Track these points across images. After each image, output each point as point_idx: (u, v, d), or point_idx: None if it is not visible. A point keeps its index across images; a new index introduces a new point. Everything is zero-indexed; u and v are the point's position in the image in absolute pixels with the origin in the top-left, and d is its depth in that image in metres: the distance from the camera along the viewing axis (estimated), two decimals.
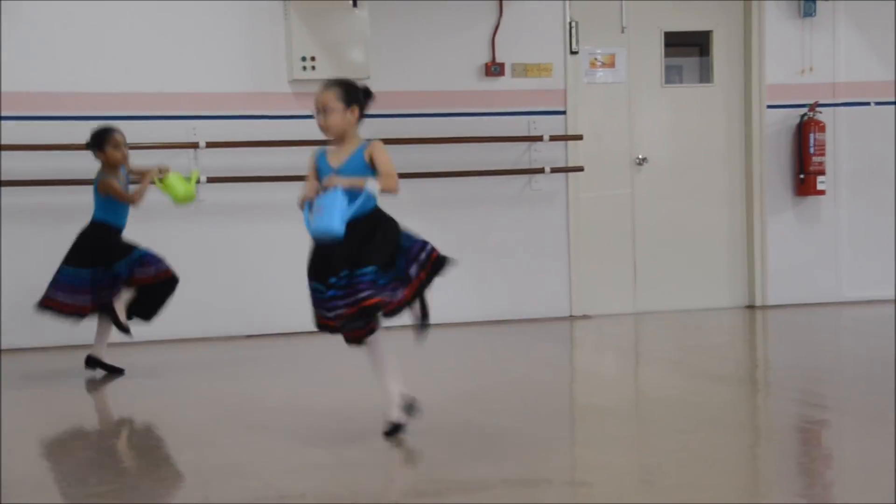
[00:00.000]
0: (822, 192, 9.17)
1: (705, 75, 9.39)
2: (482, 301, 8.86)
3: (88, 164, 7.08)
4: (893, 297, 9.21)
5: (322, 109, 5.18)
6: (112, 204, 6.83)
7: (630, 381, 7.13)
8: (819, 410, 5.89)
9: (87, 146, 6.95)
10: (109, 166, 6.86)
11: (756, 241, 9.26)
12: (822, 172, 9.13)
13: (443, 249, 8.34)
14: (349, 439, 5.24)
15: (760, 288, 9.27)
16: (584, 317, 9.00)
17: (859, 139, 9.32)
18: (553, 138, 8.88)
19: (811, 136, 9.11)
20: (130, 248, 6.87)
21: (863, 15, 9.21)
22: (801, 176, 9.17)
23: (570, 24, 8.90)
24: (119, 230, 6.88)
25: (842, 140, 9.27)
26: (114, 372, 6.99)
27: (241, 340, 8.33)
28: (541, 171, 8.86)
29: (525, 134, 8.86)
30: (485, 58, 8.81)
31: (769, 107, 9.23)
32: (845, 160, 9.28)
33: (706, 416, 5.75)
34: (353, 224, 5.00)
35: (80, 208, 7.16)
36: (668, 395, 6.40)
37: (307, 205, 5.05)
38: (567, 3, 8.90)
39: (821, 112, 9.17)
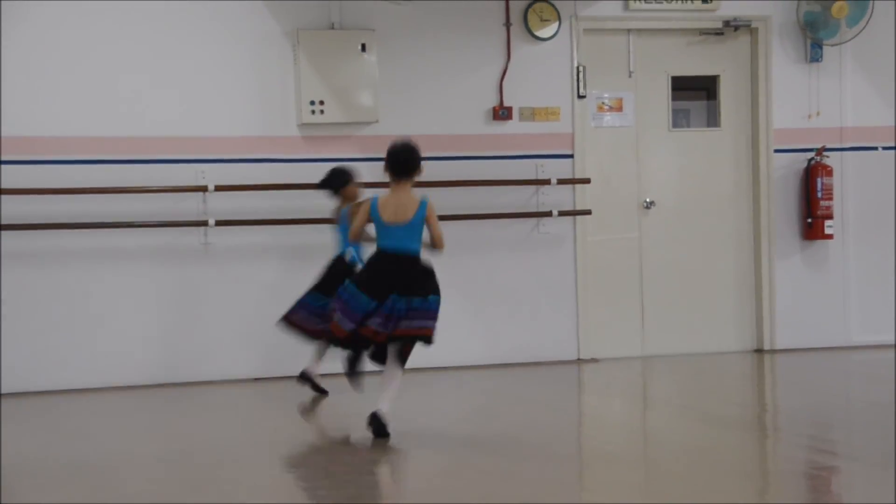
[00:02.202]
0: (829, 237, 9.16)
1: (713, 119, 9.41)
2: (490, 344, 8.84)
3: (95, 208, 7.10)
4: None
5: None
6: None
7: (638, 425, 7.09)
8: (828, 456, 5.86)
9: (323, 185, 7.58)
10: (347, 200, 7.46)
11: (764, 284, 9.24)
12: (830, 217, 9.13)
13: (451, 292, 8.38)
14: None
15: (768, 332, 9.24)
16: (592, 360, 8.98)
17: (867, 184, 9.32)
18: (561, 182, 8.90)
19: (819, 180, 9.12)
20: None
21: (869, 60, 9.25)
22: (809, 220, 9.17)
23: (578, 68, 8.94)
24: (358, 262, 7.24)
25: (849, 184, 9.28)
26: (321, 392, 7.54)
27: (250, 382, 8.32)
28: (548, 214, 8.88)
29: (533, 177, 8.88)
30: (493, 101, 8.86)
31: (776, 151, 9.24)
32: (853, 204, 9.28)
33: (714, 462, 5.72)
34: None
35: (83, 252, 7.19)
36: (675, 440, 6.37)
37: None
38: (575, 47, 8.96)
39: (828, 156, 9.19)
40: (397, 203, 6.14)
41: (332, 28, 8.54)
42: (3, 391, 7.93)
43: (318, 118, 8.46)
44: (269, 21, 8.46)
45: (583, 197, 8.99)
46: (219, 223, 8.31)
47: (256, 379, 8.40)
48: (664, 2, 9.05)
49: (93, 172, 8.17)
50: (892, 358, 8.62)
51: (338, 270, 7.30)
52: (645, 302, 9.20)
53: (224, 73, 8.43)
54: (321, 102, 8.44)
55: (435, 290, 6.08)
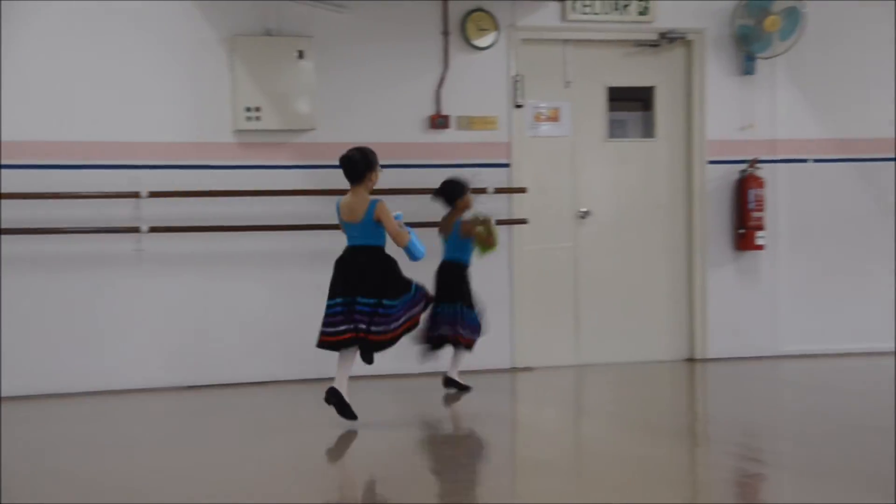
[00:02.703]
0: (760, 247, 9.29)
1: (648, 130, 9.51)
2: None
3: (24, 213, 7.01)
4: (829, 352, 9.33)
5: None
6: (465, 244, 7.92)
7: (571, 434, 7.14)
8: (756, 464, 5.94)
9: (439, 195, 7.99)
10: (460, 211, 7.93)
11: (696, 294, 9.35)
12: (761, 227, 9.26)
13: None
14: None
15: (700, 341, 9.34)
16: (527, 369, 9.02)
17: (797, 195, 9.47)
18: (497, 191, 8.93)
19: (750, 191, 9.25)
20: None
21: (800, 73, 9.40)
22: (741, 231, 9.29)
23: (515, 77, 8.99)
24: (468, 266, 7.94)
25: (780, 196, 9.41)
26: (463, 389, 7.92)
27: (183, 391, 8.24)
28: None
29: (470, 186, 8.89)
30: (430, 110, 8.88)
31: (710, 162, 9.36)
32: (784, 216, 9.42)
33: (645, 470, 5.78)
34: None
35: (12, 258, 7.08)
36: (607, 449, 6.43)
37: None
38: (512, 56, 9.01)
39: (760, 168, 9.32)
40: (352, 204, 6.82)
41: (269, 35, 8.50)
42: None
43: (254, 125, 8.42)
44: (205, 27, 8.41)
45: (519, 206, 9.03)
46: (153, 229, 8.23)
47: (189, 387, 8.32)
48: (601, 13, 9.13)
49: (22, 177, 8.05)
50: (819, 367, 8.76)
51: (449, 277, 7.91)
52: (579, 311, 9.26)
53: (159, 79, 8.35)
54: (257, 109, 8.40)
55: (406, 288, 6.77)
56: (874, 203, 9.54)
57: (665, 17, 9.21)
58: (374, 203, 6.77)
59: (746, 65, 9.31)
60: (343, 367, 6.77)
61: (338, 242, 8.68)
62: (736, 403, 7.83)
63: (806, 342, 9.34)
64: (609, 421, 7.37)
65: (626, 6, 9.17)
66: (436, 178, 8.83)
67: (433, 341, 7.89)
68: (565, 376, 8.74)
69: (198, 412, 7.63)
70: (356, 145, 7.01)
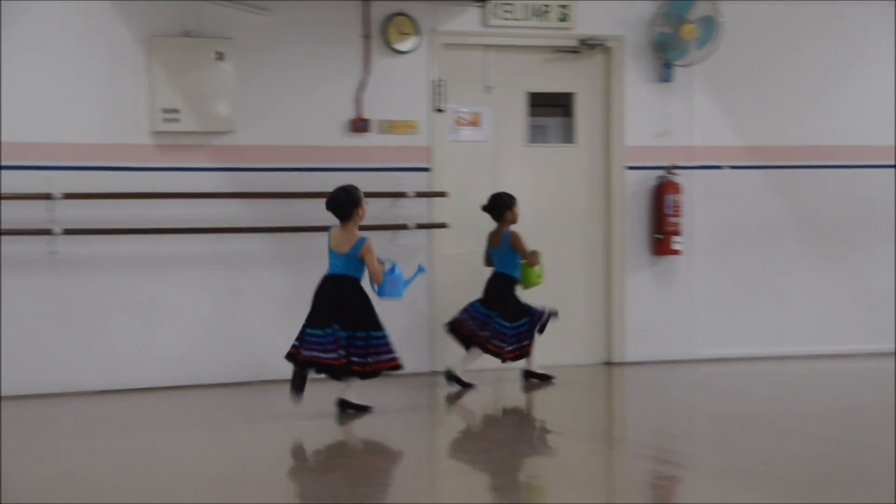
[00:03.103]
0: (677, 252, 9.42)
1: (568, 136, 9.59)
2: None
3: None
4: (744, 356, 9.48)
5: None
6: (512, 258, 8.38)
7: (488, 436, 7.16)
8: (671, 467, 6.02)
9: (487, 210, 8.47)
10: (507, 224, 8.42)
11: (614, 299, 9.45)
12: (678, 233, 9.38)
13: (302, 303, 8.32)
14: None
15: (618, 345, 9.44)
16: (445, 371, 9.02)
17: (713, 201, 9.61)
18: (418, 195, 8.95)
19: (668, 197, 9.37)
20: (524, 312, 8.40)
21: (717, 81, 9.55)
22: (658, 236, 9.41)
23: (436, 82, 9.01)
24: (517, 280, 8.43)
25: (697, 202, 9.55)
26: (545, 379, 8.50)
27: (96, 396, 8.12)
28: (405, 227, 8.91)
29: (390, 190, 8.91)
30: (351, 113, 8.86)
31: (628, 168, 9.47)
32: (700, 221, 9.55)
33: (561, 473, 5.82)
34: None
35: None
36: (524, 452, 6.47)
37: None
38: (433, 61, 9.02)
39: (677, 174, 9.45)
40: (341, 236, 7.37)
41: (188, 36, 8.41)
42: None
43: (172, 126, 8.33)
44: (122, 27, 8.29)
45: (440, 210, 9.05)
46: (67, 232, 8.10)
47: (101, 392, 8.20)
48: (522, 19, 9.19)
49: None
50: (734, 370, 8.90)
51: (495, 286, 8.42)
52: None
53: (74, 79, 8.22)
54: (176, 111, 8.31)
55: (375, 327, 7.32)
56: (787, 209, 9.72)
57: (585, 24, 9.30)
58: (361, 241, 7.31)
59: (664, 72, 9.44)
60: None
61: (257, 244, 8.68)
62: (652, 407, 7.92)
63: (721, 346, 9.48)
64: (526, 423, 7.42)
65: (546, 12, 9.24)
66: (356, 182, 8.78)
67: (463, 338, 8.41)
68: (484, 379, 8.75)
69: (106, 418, 7.53)
70: (340, 185, 7.46)
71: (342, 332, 7.23)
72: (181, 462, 6.20)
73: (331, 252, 7.40)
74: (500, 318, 8.36)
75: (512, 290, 8.45)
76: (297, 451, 6.61)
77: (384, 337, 7.36)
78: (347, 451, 6.65)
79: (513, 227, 8.47)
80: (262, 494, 5.41)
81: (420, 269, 7.77)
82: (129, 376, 8.32)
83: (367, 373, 7.27)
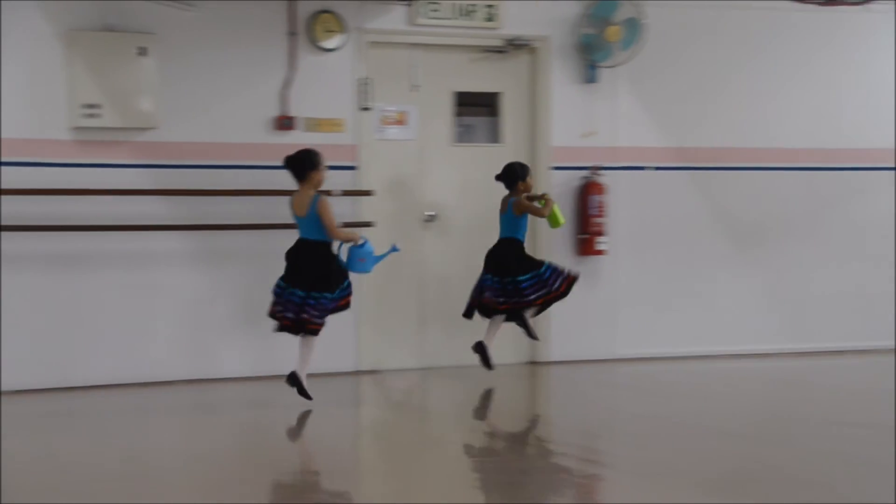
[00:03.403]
0: (602, 253, 9.50)
1: (495, 135, 9.61)
2: (267, 355, 8.76)
3: None
4: (666, 355, 9.59)
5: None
6: (517, 221, 8.50)
7: (413, 436, 7.16)
8: (592, 466, 6.06)
9: (500, 177, 8.54)
10: (518, 192, 8.52)
11: None
12: (602, 233, 9.46)
13: (229, 302, 8.27)
14: None
15: (542, 344, 9.49)
16: (371, 372, 9.02)
17: (637, 202, 9.71)
18: (344, 193, 8.91)
19: (592, 197, 9.44)
20: (538, 264, 8.45)
21: (642, 83, 9.65)
22: (583, 236, 9.48)
23: (363, 80, 8.99)
24: (522, 243, 8.53)
25: (621, 202, 9.63)
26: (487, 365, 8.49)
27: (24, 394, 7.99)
28: None
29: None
30: (276, 111, 8.80)
31: (554, 168, 9.52)
32: (624, 222, 9.64)
33: (484, 472, 5.83)
34: None
35: None
36: (448, 451, 6.48)
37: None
38: (360, 59, 9.00)
39: (602, 175, 9.52)
40: (300, 200, 7.60)
41: (109, 30, 8.29)
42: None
43: (92, 122, 8.20)
44: (41, 21, 8.15)
45: (366, 209, 9.03)
46: None
47: (32, 390, 8.07)
48: (448, 18, 9.19)
49: None
50: (655, 370, 8.99)
51: (499, 251, 8.50)
52: (426, 314, 9.31)
53: None
54: (96, 106, 8.19)
55: (329, 289, 7.52)
56: (710, 210, 9.84)
57: (511, 24, 9.34)
58: (315, 197, 7.51)
59: (589, 73, 9.51)
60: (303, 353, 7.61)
61: (180, 242, 8.58)
62: (575, 406, 7.98)
63: (644, 346, 9.58)
64: (451, 424, 7.43)
65: (473, 12, 9.26)
66: (281, 180, 8.78)
67: (481, 308, 8.50)
68: (410, 379, 8.77)
69: (42, 414, 7.40)
70: (301, 147, 7.69)
71: (299, 293, 7.47)
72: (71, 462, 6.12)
73: (295, 218, 7.63)
74: (514, 277, 8.39)
75: (517, 250, 8.51)
76: (201, 452, 6.55)
77: (332, 300, 7.57)
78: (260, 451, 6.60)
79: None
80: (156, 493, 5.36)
81: (393, 248, 7.91)
82: (50, 375, 8.18)
83: (310, 330, 7.51)
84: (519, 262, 8.46)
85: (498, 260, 8.48)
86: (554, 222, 8.56)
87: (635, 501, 5.27)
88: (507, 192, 8.60)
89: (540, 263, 8.50)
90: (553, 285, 8.43)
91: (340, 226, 7.63)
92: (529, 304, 8.44)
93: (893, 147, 10.15)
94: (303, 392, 7.55)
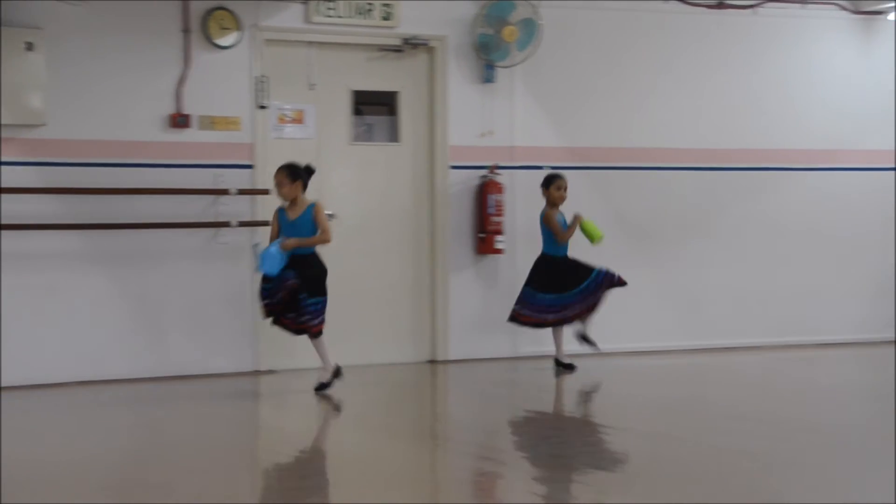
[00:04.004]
0: (500, 251, 9.54)
1: (393, 134, 9.60)
2: (163, 356, 8.63)
3: None
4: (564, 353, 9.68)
5: (277, 185, 7.97)
6: (547, 235, 8.88)
7: (312, 436, 7.12)
8: (491, 463, 6.08)
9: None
10: (552, 204, 8.87)
11: (438, 297, 9.50)
12: (500, 232, 9.51)
13: (122, 304, 8.11)
14: None
15: (442, 343, 9.50)
16: (270, 372, 8.93)
17: (535, 201, 9.73)
18: (241, 192, 8.82)
19: (490, 196, 9.48)
20: (587, 272, 8.79)
21: (537, 83, 9.72)
22: (481, 235, 9.51)
23: (259, 78, 8.90)
24: (562, 258, 8.86)
25: (519, 202, 9.68)
26: (568, 368, 8.87)
27: None
28: (227, 224, 8.77)
29: (211, 187, 8.76)
30: (170, 108, 8.66)
31: (452, 167, 9.54)
32: (522, 221, 9.69)
33: (386, 472, 5.82)
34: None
35: None
36: (348, 451, 6.45)
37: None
38: (256, 57, 8.90)
39: (500, 174, 9.57)
40: (293, 205, 7.98)
41: None
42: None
43: None
44: None
45: (263, 208, 8.94)
46: None
47: None
48: (344, 17, 9.15)
49: None
50: (552, 367, 9.06)
51: (540, 267, 8.90)
52: (326, 313, 9.22)
53: None
54: None
55: (322, 293, 7.92)
56: (607, 209, 9.92)
57: (408, 23, 9.33)
58: (312, 205, 7.98)
59: (487, 73, 9.55)
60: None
61: (72, 242, 8.39)
62: (474, 404, 8.00)
63: (542, 343, 9.63)
64: (351, 423, 7.40)
65: (369, 11, 9.23)
66: (177, 179, 8.66)
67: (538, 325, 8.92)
68: (309, 379, 8.69)
69: None
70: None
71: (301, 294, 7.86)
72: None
73: (283, 222, 7.98)
74: (552, 292, 8.78)
75: (553, 264, 8.84)
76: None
77: (325, 301, 7.96)
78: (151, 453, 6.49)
79: (554, 208, 8.90)
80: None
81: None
82: None
83: (314, 333, 7.94)
84: (552, 277, 8.82)
85: (539, 276, 8.89)
86: (592, 237, 8.82)
87: (534, 495, 5.30)
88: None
89: (587, 271, 8.80)
90: (588, 300, 8.80)
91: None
92: (573, 318, 8.85)
93: (781, 148, 10.40)
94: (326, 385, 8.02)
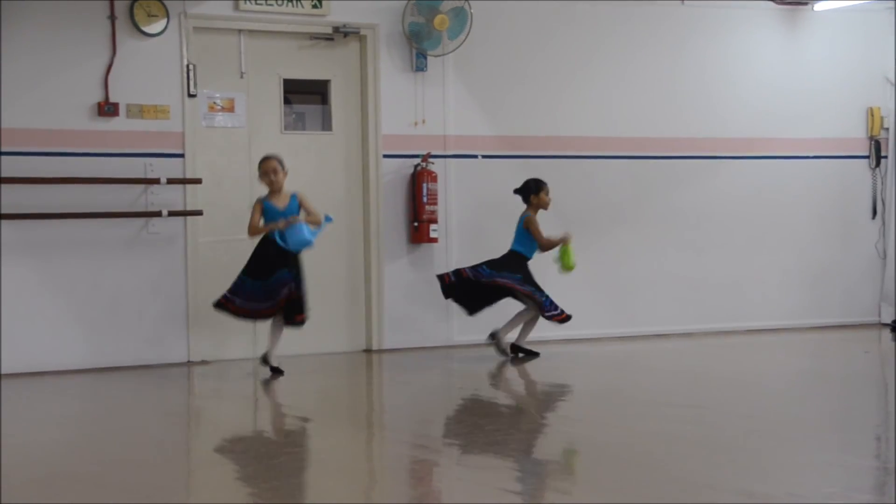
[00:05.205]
0: (434, 240, 9.54)
1: (326, 123, 9.55)
2: (94, 347, 8.52)
3: None
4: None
5: (271, 172, 8.23)
6: (523, 236, 8.96)
7: (248, 426, 7.06)
8: (427, 451, 6.08)
9: (518, 191, 9.02)
10: (535, 209, 8.95)
11: (373, 286, 9.47)
12: (435, 221, 9.50)
13: (53, 293, 7.96)
14: None
15: (377, 332, 9.48)
16: (203, 362, 8.85)
17: (469, 190, 9.79)
18: (171, 181, 8.72)
19: (424, 185, 9.47)
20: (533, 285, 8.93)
21: (469, 72, 9.72)
22: (416, 224, 9.50)
23: (188, 66, 8.79)
24: (526, 259, 8.99)
25: (452, 190, 9.69)
26: (531, 354, 9.00)
27: None
28: (158, 214, 8.67)
29: (141, 176, 8.64)
30: (98, 97, 8.52)
31: (385, 156, 9.51)
32: (455, 209, 9.70)
33: (322, 460, 5.79)
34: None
35: None
36: (283, 440, 6.40)
37: (278, 233, 8.18)
38: (184, 45, 8.79)
39: (433, 163, 9.56)
40: (277, 195, 8.26)
41: None
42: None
43: None
44: None
45: (194, 197, 8.85)
46: None
47: None
48: (274, 4, 9.07)
49: None
50: (488, 356, 9.09)
51: (507, 260, 8.94)
52: None
53: None
54: None
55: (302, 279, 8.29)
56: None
57: (339, 12, 9.28)
58: (294, 195, 8.29)
59: (418, 61, 9.53)
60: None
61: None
62: (409, 393, 7.99)
63: (476, 332, 9.65)
64: (284, 412, 7.35)
65: None
66: (105, 168, 8.54)
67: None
68: (243, 369, 8.64)
69: None
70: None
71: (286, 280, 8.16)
72: None
73: (269, 212, 8.21)
74: (510, 273, 8.85)
75: (520, 265, 8.91)
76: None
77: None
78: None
79: (536, 212, 9.00)
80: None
81: (328, 219, 8.39)
82: None
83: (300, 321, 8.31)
84: (518, 272, 8.89)
85: (501, 263, 8.92)
86: (565, 263, 8.89)
87: (469, 482, 5.31)
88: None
89: (536, 287, 8.89)
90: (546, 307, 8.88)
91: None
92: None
93: (709, 137, 10.52)
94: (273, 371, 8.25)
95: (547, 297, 8.92)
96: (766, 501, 4.82)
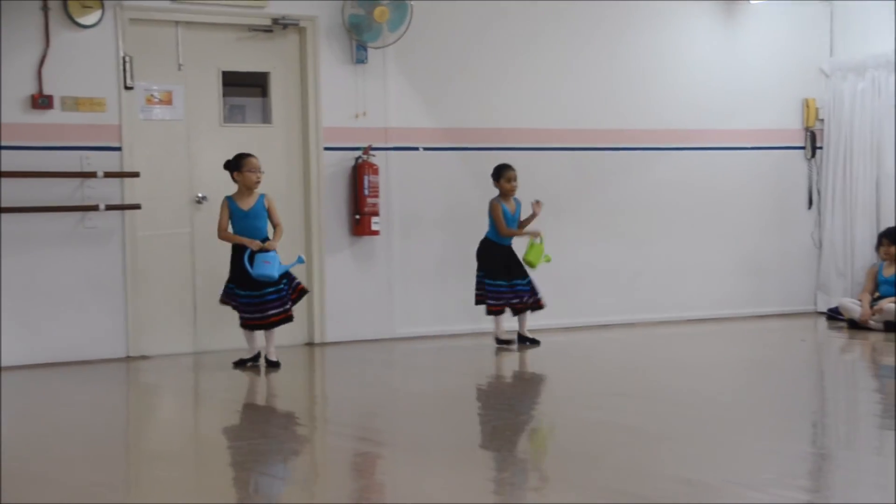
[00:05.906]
0: (376, 233, 9.51)
1: (266, 116, 9.48)
2: (31, 344, 8.40)
3: None
4: (441, 333, 9.71)
5: (256, 170, 8.23)
6: (490, 222, 9.06)
7: (186, 422, 7.01)
8: (370, 444, 6.07)
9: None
10: (503, 195, 9.07)
11: (314, 279, 9.43)
12: (377, 213, 9.48)
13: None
14: None
15: (319, 325, 9.44)
16: (142, 357, 8.76)
17: (410, 182, 9.77)
18: (108, 175, 8.61)
19: (365, 178, 9.44)
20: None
21: (410, 64, 9.70)
22: (357, 216, 9.47)
23: (124, 58, 8.68)
24: (506, 247, 9.05)
25: (394, 183, 9.67)
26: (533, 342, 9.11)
27: None
28: (95, 208, 8.56)
29: (77, 170, 8.53)
30: (31, 89, 8.39)
31: (326, 149, 9.46)
32: (397, 202, 9.68)
33: (261, 453, 5.76)
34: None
35: None
36: (225, 435, 6.36)
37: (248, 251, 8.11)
38: (120, 36, 8.68)
39: (374, 155, 9.53)
40: (244, 195, 8.25)
41: None
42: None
43: None
44: None
45: (132, 191, 8.75)
46: None
47: None
48: None
49: None
50: (430, 347, 9.10)
51: (481, 250, 9.09)
52: (197, 297, 9.10)
53: None
54: None
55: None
56: (479, 190, 9.96)
57: (278, 3, 9.22)
58: (262, 196, 8.26)
59: (359, 53, 9.49)
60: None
61: None
62: (352, 386, 7.98)
63: (419, 325, 9.67)
64: (225, 407, 7.30)
65: None
66: (40, 161, 8.41)
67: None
68: (182, 364, 8.56)
69: None
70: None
71: (254, 293, 8.16)
72: None
73: (236, 214, 8.21)
74: (487, 278, 8.97)
75: (489, 251, 9.02)
76: None
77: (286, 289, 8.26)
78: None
79: (505, 198, 9.08)
80: None
81: (299, 260, 8.38)
82: None
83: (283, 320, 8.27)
84: (488, 262, 9.00)
85: (479, 257, 9.07)
86: (532, 259, 8.94)
87: (413, 476, 5.31)
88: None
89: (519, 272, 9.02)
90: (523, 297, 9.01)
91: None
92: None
93: (648, 128, 10.60)
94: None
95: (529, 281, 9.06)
96: (703, 488, 4.87)
